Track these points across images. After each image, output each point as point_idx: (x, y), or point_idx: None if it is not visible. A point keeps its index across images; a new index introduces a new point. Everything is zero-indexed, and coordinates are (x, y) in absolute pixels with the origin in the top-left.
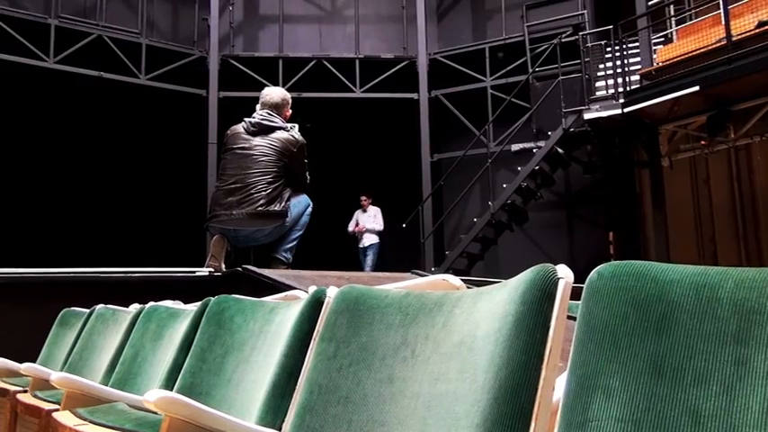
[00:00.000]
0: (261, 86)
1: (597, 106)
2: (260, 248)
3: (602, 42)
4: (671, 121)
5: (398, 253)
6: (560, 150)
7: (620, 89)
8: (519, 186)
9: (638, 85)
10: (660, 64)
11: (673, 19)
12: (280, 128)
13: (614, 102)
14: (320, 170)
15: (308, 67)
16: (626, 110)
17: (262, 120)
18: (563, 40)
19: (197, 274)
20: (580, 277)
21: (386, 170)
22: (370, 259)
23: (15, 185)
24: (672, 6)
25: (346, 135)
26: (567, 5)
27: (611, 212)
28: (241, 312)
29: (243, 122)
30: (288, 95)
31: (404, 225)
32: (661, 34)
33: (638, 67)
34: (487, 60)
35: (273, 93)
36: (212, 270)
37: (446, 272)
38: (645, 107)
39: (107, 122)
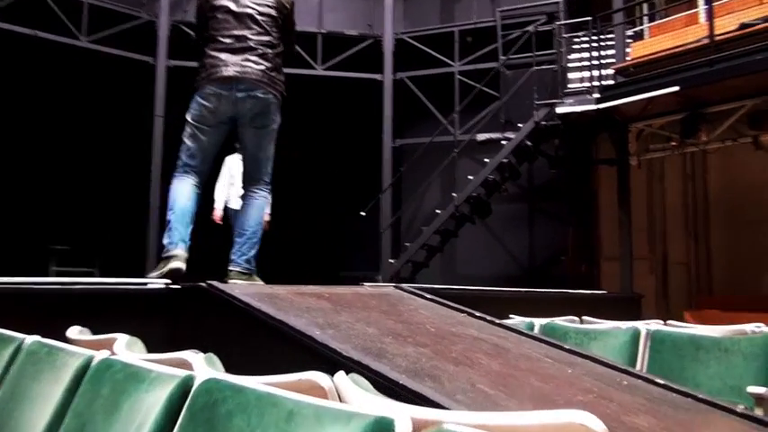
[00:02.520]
0: None
1: (571, 100)
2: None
3: (579, 34)
4: (641, 120)
5: (356, 242)
6: (529, 143)
7: (596, 84)
8: (485, 179)
9: (611, 81)
10: (632, 60)
11: (645, 15)
12: None
13: (588, 97)
14: (276, 152)
15: None
16: (600, 106)
17: None
18: (539, 29)
19: (150, 286)
20: (539, 271)
21: (346, 153)
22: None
23: None
24: (646, 3)
25: (305, 115)
26: None
27: (572, 207)
28: (242, 412)
29: None
30: None
31: (362, 213)
32: (633, 30)
33: (612, 61)
34: (456, 44)
35: None
36: (169, 282)
37: (405, 264)
38: (618, 104)
39: (41, 87)
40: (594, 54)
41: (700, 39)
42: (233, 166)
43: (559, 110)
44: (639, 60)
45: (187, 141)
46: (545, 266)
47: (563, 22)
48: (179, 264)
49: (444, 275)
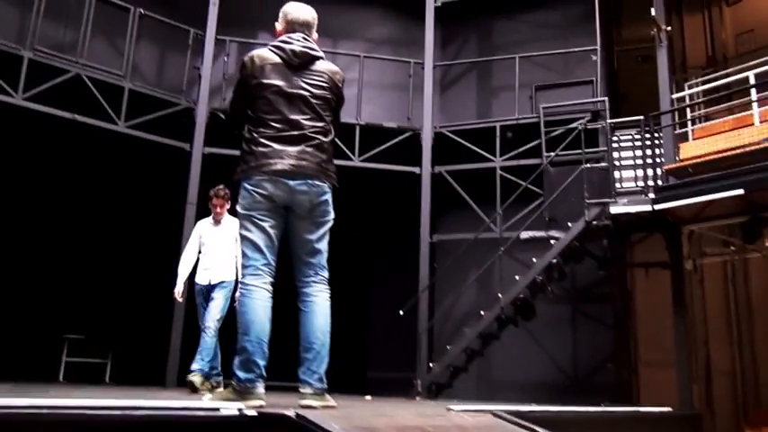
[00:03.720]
0: None
1: (625, 200)
2: None
3: (632, 132)
4: (695, 222)
5: (385, 341)
6: (576, 243)
7: (650, 183)
8: (533, 279)
9: (659, 181)
10: (686, 161)
11: (700, 114)
12: (321, 57)
13: (643, 197)
14: None
15: None
16: (657, 207)
17: (305, 47)
18: (588, 127)
19: (223, 412)
20: (584, 380)
21: (382, 247)
22: (216, 305)
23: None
24: (698, 105)
25: (341, 206)
26: (577, 90)
27: (616, 310)
28: None
29: (275, 50)
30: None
31: (401, 312)
32: (678, 131)
33: (659, 160)
34: (498, 139)
35: (304, 8)
36: (242, 408)
37: (446, 369)
38: (676, 206)
39: (78, 170)
40: (648, 153)
41: (760, 141)
42: (204, 232)
43: (613, 209)
44: (695, 161)
45: (248, 236)
46: (590, 374)
47: (614, 120)
48: (261, 402)
49: (480, 381)
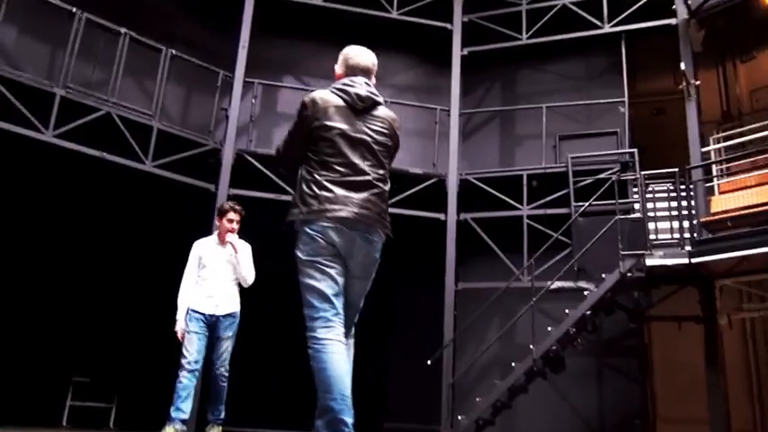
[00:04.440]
0: (274, 188)
1: (662, 253)
2: None
3: (660, 186)
4: (730, 276)
5: (410, 391)
6: (609, 295)
7: (686, 236)
8: (566, 331)
9: (695, 234)
10: (713, 215)
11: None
12: (382, 102)
13: (680, 250)
14: None
15: None
16: (694, 260)
17: (369, 92)
18: (621, 178)
19: None
20: None
21: (402, 293)
22: (228, 347)
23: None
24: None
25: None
26: (600, 141)
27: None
28: None
29: (338, 92)
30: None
31: (429, 362)
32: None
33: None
34: (525, 188)
35: (365, 52)
36: None
37: (475, 422)
38: (714, 260)
39: (97, 208)
40: (684, 204)
41: None
42: (205, 254)
43: (649, 261)
44: (729, 215)
45: (314, 284)
46: (617, 430)
47: (648, 171)
48: None
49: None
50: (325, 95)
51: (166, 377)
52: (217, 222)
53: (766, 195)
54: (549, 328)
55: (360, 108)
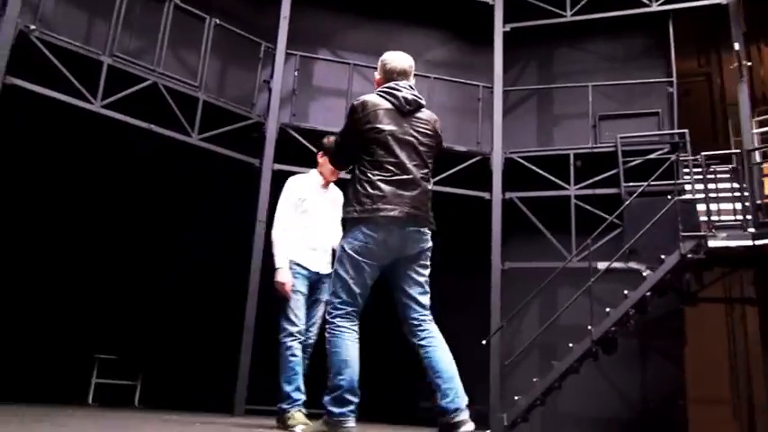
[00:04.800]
0: (316, 163)
1: (724, 234)
2: None
3: (729, 167)
4: None
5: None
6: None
7: (748, 218)
8: (626, 312)
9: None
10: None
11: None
12: (424, 105)
13: (743, 232)
14: None
15: None
16: (757, 242)
17: (415, 96)
18: (681, 158)
19: None
20: (654, 415)
21: (453, 272)
22: (321, 312)
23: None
24: None
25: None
26: (639, 121)
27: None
28: None
29: (386, 96)
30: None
31: (484, 342)
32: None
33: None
34: (572, 167)
35: (402, 57)
36: None
37: (534, 402)
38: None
39: (148, 181)
40: (745, 186)
41: None
42: (308, 195)
43: (712, 243)
44: None
45: (347, 278)
46: (660, 410)
47: (708, 153)
48: None
49: (544, 413)
50: (374, 99)
51: (192, 354)
52: (319, 159)
53: None
54: (608, 309)
55: (406, 111)
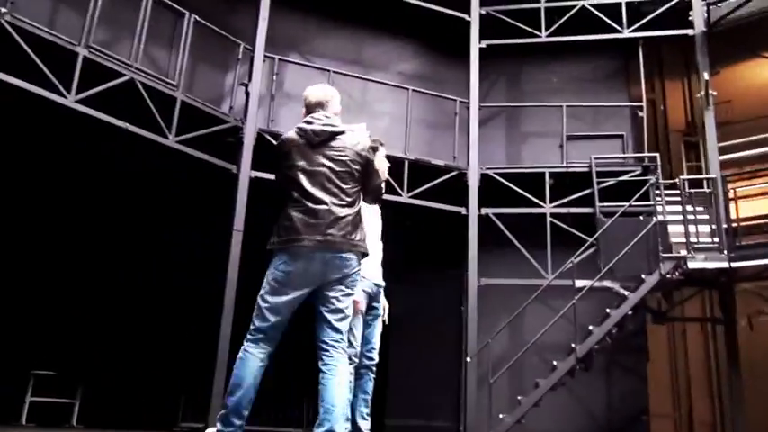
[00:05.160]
0: None
1: (703, 256)
2: None
3: (699, 191)
4: (751, 280)
5: (411, 387)
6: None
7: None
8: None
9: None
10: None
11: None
12: (342, 131)
13: (720, 254)
14: None
15: None
16: (734, 264)
17: (324, 125)
18: (659, 182)
19: None
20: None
21: (427, 285)
22: (379, 328)
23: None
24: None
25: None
26: (606, 143)
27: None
28: None
29: (298, 131)
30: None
31: (468, 359)
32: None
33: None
34: (547, 186)
35: (317, 89)
36: None
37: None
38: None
39: (116, 183)
40: (720, 211)
41: None
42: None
43: (692, 264)
44: (757, 222)
45: (261, 303)
46: (625, 426)
47: (689, 177)
48: None
49: (511, 429)
50: (291, 136)
51: (135, 370)
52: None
53: None
54: (591, 327)
55: (316, 142)
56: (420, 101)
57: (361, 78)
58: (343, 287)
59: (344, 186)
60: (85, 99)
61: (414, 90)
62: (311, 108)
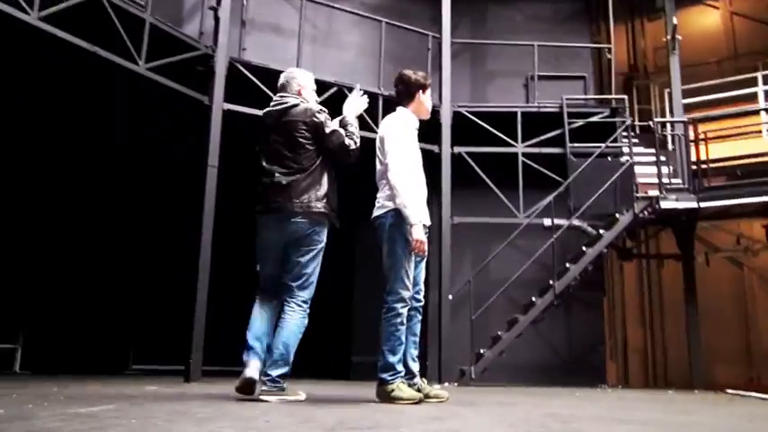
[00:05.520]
0: (266, 104)
1: (674, 196)
2: None
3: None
4: (712, 219)
5: (375, 325)
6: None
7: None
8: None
9: (677, 179)
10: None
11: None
12: (294, 105)
13: (690, 195)
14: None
15: (329, 94)
16: (702, 204)
17: (276, 104)
18: (639, 125)
19: None
20: (578, 361)
21: (366, 227)
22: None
23: None
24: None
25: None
26: (569, 84)
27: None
28: None
29: (263, 114)
30: (299, 74)
31: (450, 297)
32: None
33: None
34: (519, 126)
35: (282, 75)
36: None
37: (499, 355)
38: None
39: (88, 113)
40: (691, 153)
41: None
42: (414, 137)
43: (664, 204)
44: (720, 164)
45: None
46: (583, 356)
47: (662, 120)
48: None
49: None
50: (260, 122)
51: (81, 314)
52: (412, 98)
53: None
54: (568, 265)
55: (272, 121)
56: (385, 34)
57: (328, 6)
58: (301, 246)
59: (291, 155)
60: (50, 17)
61: (387, 23)
62: (278, 92)
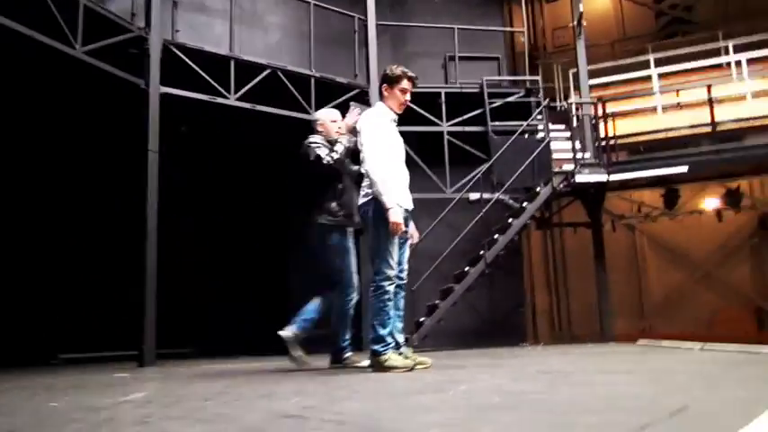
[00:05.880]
0: (207, 90)
1: (587, 171)
2: None
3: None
4: (619, 189)
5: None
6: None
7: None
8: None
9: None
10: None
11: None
12: (312, 143)
13: (601, 169)
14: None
15: (262, 77)
16: (612, 177)
17: (304, 144)
18: (550, 105)
19: None
20: (501, 323)
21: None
22: (407, 250)
23: None
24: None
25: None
26: (484, 65)
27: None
28: None
29: None
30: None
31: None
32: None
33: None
34: (443, 105)
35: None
36: None
37: (438, 323)
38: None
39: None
40: (603, 130)
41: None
42: (391, 130)
43: (579, 178)
44: (625, 140)
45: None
46: (506, 317)
47: (580, 101)
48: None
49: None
50: None
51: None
52: (385, 92)
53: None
54: (497, 236)
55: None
56: (307, 14)
57: None
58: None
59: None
60: None
61: (315, 4)
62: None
